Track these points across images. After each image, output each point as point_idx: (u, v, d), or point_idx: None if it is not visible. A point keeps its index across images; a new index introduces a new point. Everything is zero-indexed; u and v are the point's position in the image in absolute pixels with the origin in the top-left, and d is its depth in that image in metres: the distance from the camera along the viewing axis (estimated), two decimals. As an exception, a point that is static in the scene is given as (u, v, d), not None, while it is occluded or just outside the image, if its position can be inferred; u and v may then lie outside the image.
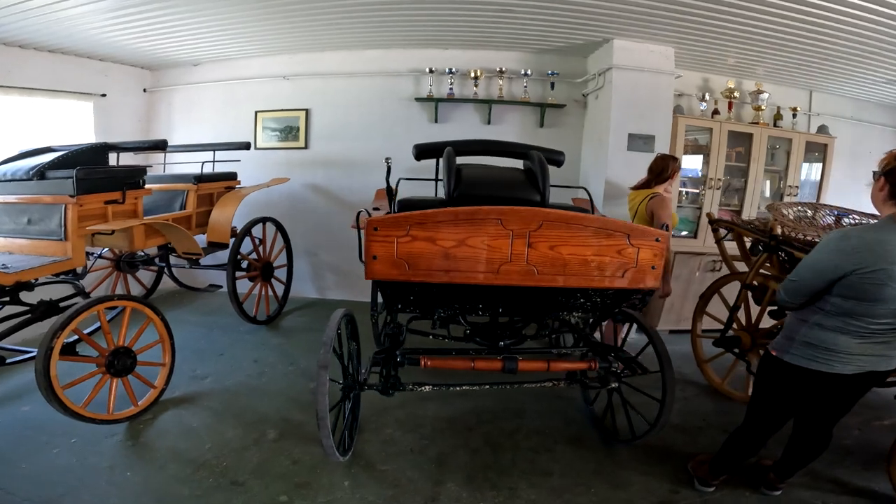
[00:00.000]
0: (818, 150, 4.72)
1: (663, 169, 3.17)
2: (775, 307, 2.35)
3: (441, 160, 2.53)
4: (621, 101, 3.74)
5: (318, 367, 1.89)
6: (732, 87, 4.41)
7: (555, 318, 2.29)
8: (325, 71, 4.55)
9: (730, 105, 4.45)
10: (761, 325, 2.97)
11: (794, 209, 3.06)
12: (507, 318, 2.30)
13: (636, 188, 3.30)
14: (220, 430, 2.48)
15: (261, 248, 4.08)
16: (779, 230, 2.74)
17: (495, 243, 1.60)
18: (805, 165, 4.75)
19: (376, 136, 4.53)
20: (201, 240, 3.69)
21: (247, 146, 4.15)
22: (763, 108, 4.47)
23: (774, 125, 4.61)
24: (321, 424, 1.86)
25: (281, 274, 4.36)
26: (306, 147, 4.76)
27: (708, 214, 3.42)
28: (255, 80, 4.71)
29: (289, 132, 4.79)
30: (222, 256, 3.72)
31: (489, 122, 4.48)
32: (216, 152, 4.07)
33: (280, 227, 4.28)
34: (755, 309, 2.98)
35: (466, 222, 1.57)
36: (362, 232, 1.72)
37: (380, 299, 2.59)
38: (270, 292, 4.17)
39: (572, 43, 3.93)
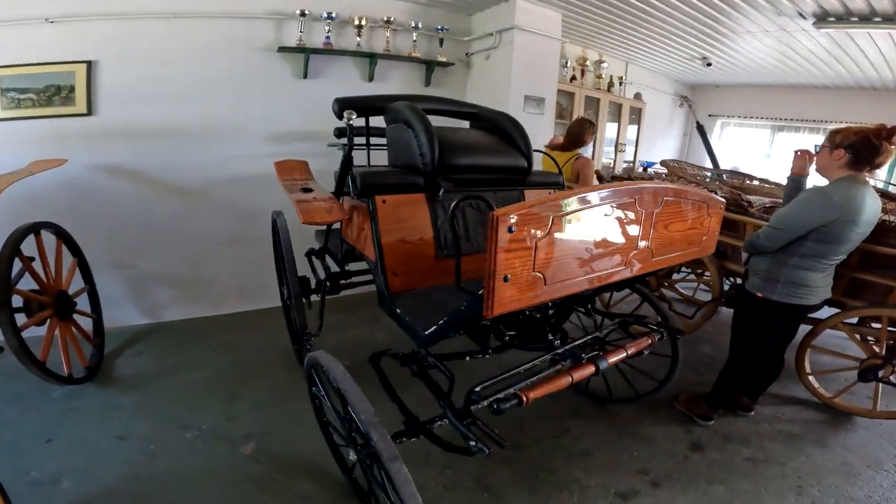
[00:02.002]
0: (635, 114, 5.60)
1: (581, 133, 3.24)
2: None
3: (390, 120, 2.01)
4: (521, 63, 3.63)
5: (387, 459, 1.16)
6: (585, 56, 4.77)
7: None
8: (122, 11, 3.00)
9: (582, 72, 4.82)
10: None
11: (688, 169, 3.56)
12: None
13: (557, 149, 3.30)
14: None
15: (42, 273, 2.45)
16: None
17: (627, 228, 1.27)
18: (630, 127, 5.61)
19: (221, 97, 3.34)
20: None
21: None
22: (602, 76, 5.00)
23: (608, 91, 5.24)
24: None
25: (84, 303, 2.80)
26: (90, 113, 3.09)
27: (613, 174, 3.69)
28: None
29: (54, 94, 3.01)
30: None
31: (371, 79, 3.82)
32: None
33: (64, 236, 2.66)
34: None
35: (604, 204, 1.18)
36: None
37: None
38: (77, 332, 2.58)
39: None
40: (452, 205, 1.25)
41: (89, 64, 3.06)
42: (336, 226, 2.35)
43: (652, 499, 1.88)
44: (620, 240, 1.26)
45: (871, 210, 1.98)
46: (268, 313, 3.49)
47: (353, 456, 1.51)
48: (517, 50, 3.58)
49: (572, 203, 1.09)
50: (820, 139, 6.60)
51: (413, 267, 1.79)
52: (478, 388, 1.44)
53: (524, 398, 1.31)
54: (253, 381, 2.58)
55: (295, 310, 2.19)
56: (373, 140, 2.60)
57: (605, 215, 1.18)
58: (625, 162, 5.61)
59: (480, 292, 1.05)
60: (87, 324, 2.77)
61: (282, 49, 3.42)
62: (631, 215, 1.26)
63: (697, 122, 6.86)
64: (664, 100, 6.45)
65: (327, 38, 3.52)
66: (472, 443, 1.30)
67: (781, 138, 6.72)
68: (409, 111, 1.86)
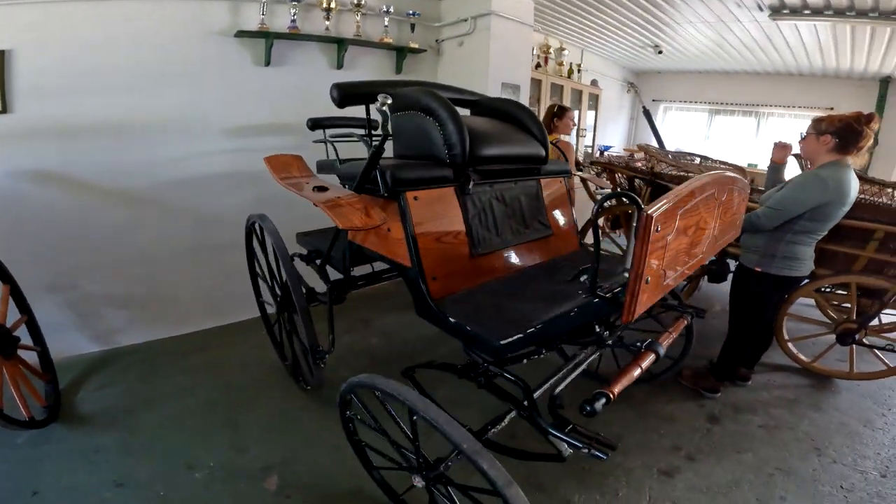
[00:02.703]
0: (593, 100, 5.71)
1: (555, 116, 3.28)
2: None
3: (400, 107, 1.84)
4: (497, 49, 3.52)
5: (503, 486, 1.04)
6: (548, 44, 4.77)
7: None
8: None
9: (545, 60, 4.81)
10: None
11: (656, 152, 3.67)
12: None
13: None
14: None
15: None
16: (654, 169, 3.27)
17: (708, 217, 1.22)
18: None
19: (168, 88, 2.90)
20: None
21: None
22: (563, 63, 5.03)
23: (568, 78, 5.29)
24: None
25: (25, 336, 2.29)
26: (4, 111, 2.54)
27: (592, 159, 3.72)
28: None
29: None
30: None
31: (340, 66, 3.55)
32: None
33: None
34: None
35: (705, 194, 1.12)
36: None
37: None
38: (25, 370, 2.14)
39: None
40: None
41: (2, 54, 2.55)
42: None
43: (693, 472, 1.92)
44: (704, 229, 1.21)
45: (855, 190, 2.15)
46: (242, 328, 3.17)
47: (419, 482, 1.38)
48: (494, 36, 3.47)
49: (692, 196, 1.02)
50: (752, 122, 7.14)
51: (451, 269, 1.64)
52: (557, 392, 1.35)
53: (611, 394, 1.24)
54: (250, 404, 2.31)
55: (302, 325, 1.96)
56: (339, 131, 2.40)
57: (700, 206, 1.12)
58: (586, 147, 5.73)
59: (609, 295, 0.95)
60: (30, 358, 2.30)
61: (240, 34, 3.06)
62: (711, 204, 1.21)
63: (644, 107, 7.17)
64: (614, 86, 6.66)
65: (293, 21, 3.21)
66: (586, 450, 1.22)
67: (719, 121, 7.20)
68: (430, 98, 1.71)
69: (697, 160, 4.18)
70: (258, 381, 2.52)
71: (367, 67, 3.72)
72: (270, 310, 2.68)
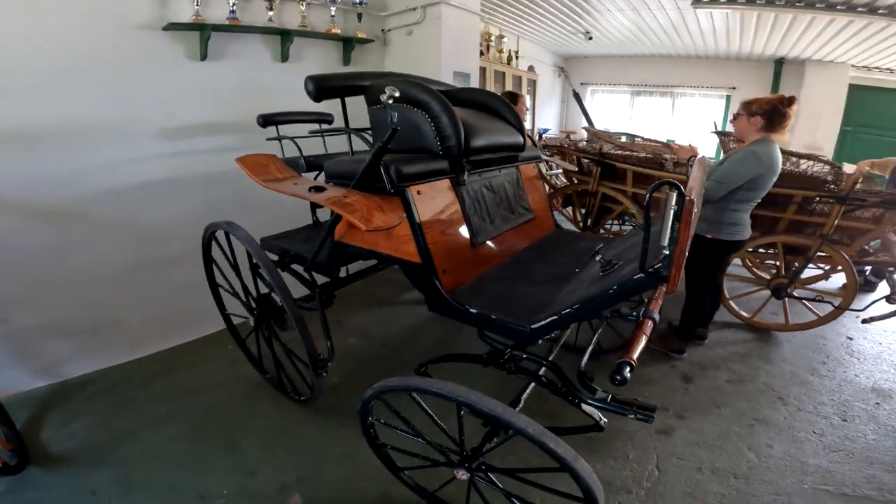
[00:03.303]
0: (531, 85, 5.85)
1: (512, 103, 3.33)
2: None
3: (390, 102, 1.77)
4: (449, 38, 3.47)
5: (571, 461, 1.13)
6: (489, 31, 4.78)
7: None
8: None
9: (487, 48, 4.83)
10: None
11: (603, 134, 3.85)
12: None
13: None
14: None
15: None
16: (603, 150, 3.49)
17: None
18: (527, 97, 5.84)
19: (87, 89, 2.51)
20: None
21: None
22: (503, 50, 5.08)
23: (508, 64, 5.36)
24: None
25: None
26: None
27: (544, 143, 3.82)
28: None
29: None
30: None
31: (285, 59, 3.31)
32: None
33: None
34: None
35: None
36: None
37: None
38: None
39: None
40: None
41: None
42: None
43: (686, 429, 2.09)
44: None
45: (780, 162, 2.44)
46: (204, 345, 2.92)
47: (463, 475, 1.41)
48: (445, 25, 3.41)
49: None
50: (668, 102, 7.70)
51: (457, 260, 1.63)
52: (582, 366, 1.42)
53: (633, 362, 1.28)
54: (243, 423, 2.14)
55: (300, 335, 1.85)
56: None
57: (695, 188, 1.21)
58: (527, 130, 5.87)
59: (651, 269, 1.01)
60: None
61: (171, 27, 2.73)
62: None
63: (574, 91, 7.47)
64: (546, 71, 6.87)
65: (232, 12, 2.93)
66: (632, 416, 1.30)
67: (639, 101, 7.70)
68: (420, 90, 1.66)
69: (636, 139, 4.45)
70: (243, 398, 2.33)
71: (313, 59, 3.51)
72: (237, 321, 2.51)
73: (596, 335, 1.77)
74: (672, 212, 1.03)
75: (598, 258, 1.45)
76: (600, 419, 1.40)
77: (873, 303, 2.92)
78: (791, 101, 2.47)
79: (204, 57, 2.92)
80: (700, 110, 7.27)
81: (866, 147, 6.05)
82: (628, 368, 1.25)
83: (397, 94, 1.38)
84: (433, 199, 1.62)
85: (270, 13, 3.06)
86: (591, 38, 5.52)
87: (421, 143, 1.68)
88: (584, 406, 1.41)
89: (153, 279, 2.86)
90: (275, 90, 3.28)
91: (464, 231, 1.73)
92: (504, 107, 2.11)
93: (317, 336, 1.96)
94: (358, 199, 1.51)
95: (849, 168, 3.66)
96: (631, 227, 4.19)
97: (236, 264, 2.20)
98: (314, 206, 2.67)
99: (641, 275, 1.10)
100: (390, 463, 1.68)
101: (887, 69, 5.82)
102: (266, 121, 2.52)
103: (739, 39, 5.61)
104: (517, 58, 5.53)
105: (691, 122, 7.41)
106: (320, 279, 2.18)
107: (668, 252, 1.05)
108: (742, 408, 2.24)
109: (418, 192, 1.56)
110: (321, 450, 1.96)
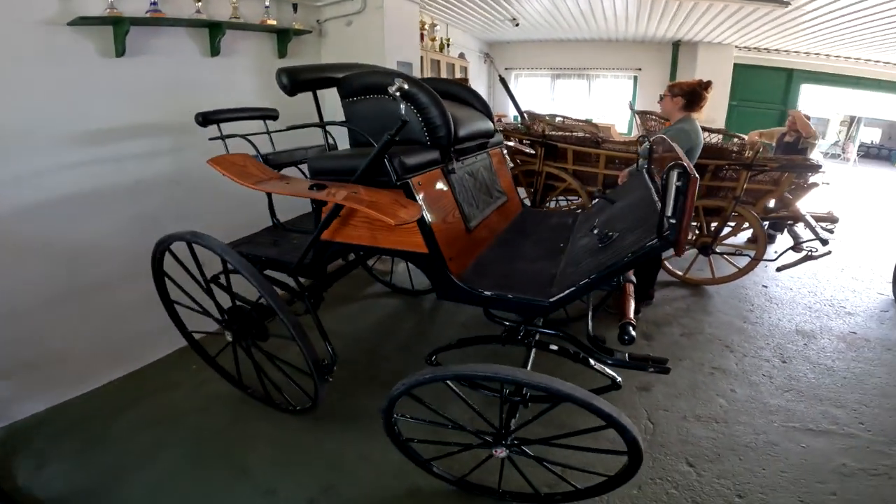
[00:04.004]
0: (463, 72, 5.89)
1: None
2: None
3: (363, 90, 1.75)
4: (392, 28, 3.39)
5: (627, 427, 1.27)
6: (422, 20, 4.71)
7: None
8: None
9: (421, 36, 4.77)
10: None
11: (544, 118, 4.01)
12: None
13: None
14: None
15: None
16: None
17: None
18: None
19: None
20: None
21: None
22: (436, 38, 5.06)
23: (440, 52, 5.35)
24: None
25: None
26: None
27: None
28: None
29: None
30: None
31: (216, 53, 3.05)
32: None
33: None
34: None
35: None
36: None
37: None
38: None
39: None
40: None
41: None
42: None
43: (662, 384, 2.30)
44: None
45: (702, 136, 2.80)
46: (162, 368, 2.66)
47: (502, 452, 1.48)
48: (389, 14, 3.33)
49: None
50: (585, 84, 8.15)
51: (458, 247, 1.68)
52: (591, 332, 1.57)
53: (633, 322, 1.45)
54: (242, 444, 2.00)
55: (300, 343, 1.76)
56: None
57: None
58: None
59: (664, 236, 1.15)
60: None
61: (80, 21, 2.40)
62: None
63: (500, 76, 7.62)
64: (473, 57, 6.95)
65: (153, 3, 2.62)
66: (651, 370, 1.45)
67: (559, 84, 8.08)
68: (405, 81, 1.64)
69: (563, 120, 4.69)
70: (230, 418, 2.17)
71: (246, 53, 3.27)
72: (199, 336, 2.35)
73: (590, 303, 1.88)
74: (675, 187, 1.15)
75: (594, 231, 1.55)
76: (616, 378, 1.54)
77: (783, 252, 3.38)
78: (707, 85, 2.83)
79: (121, 53, 2.60)
80: (612, 90, 7.82)
81: (750, 119, 6.90)
82: (631, 328, 1.39)
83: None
84: (431, 190, 1.65)
85: (198, 4, 2.79)
86: (517, 25, 5.67)
87: (407, 134, 1.65)
88: (598, 366, 1.57)
89: (90, 304, 2.55)
90: (207, 87, 3.02)
91: (458, 218, 1.77)
92: (471, 95, 2.15)
93: (288, 339, 1.89)
94: (375, 195, 1.48)
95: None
96: (570, 202, 4.44)
97: (205, 277, 2.04)
98: (273, 207, 2.52)
99: (656, 240, 1.21)
100: (415, 456, 1.69)
101: (765, 49, 6.64)
102: (206, 119, 2.32)
103: (645, 23, 6.07)
104: (448, 46, 5.54)
105: (606, 102, 7.95)
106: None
107: (674, 221, 1.16)
108: (699, 358, 2.52)
109: (419, 184, 1.57)
110: (335, 456, 1.90)
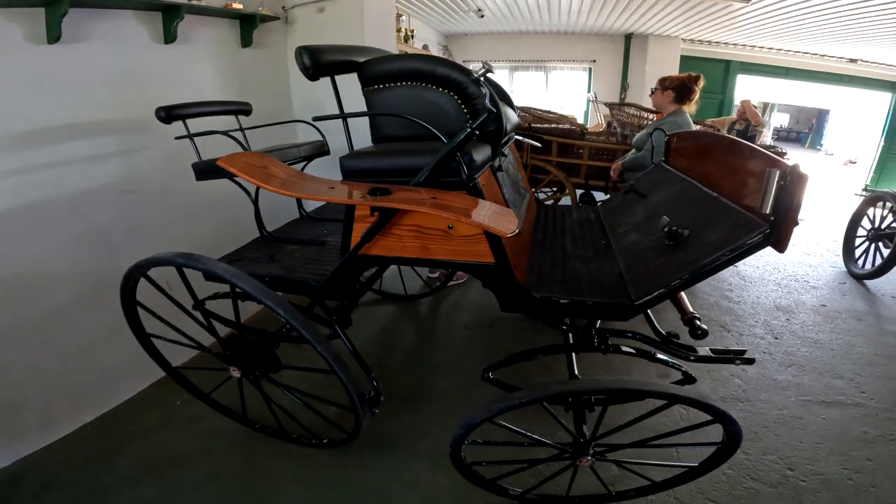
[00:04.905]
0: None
1: None
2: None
3: (391, 78, 1.52)
4: (372, 16, 3.11)
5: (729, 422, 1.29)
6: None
7: None
8: None
9: (409, 31, 4.50)
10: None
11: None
12: None
13: None
14: None
15: None
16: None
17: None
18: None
19: None
20: None
21: None
22: (402, 30, 4.80)
23: (405, 43, 5.08)
24: None
25: None
26: None
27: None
28: None
29: None
30: None
31: (171, 40, 2.62)
32: None
33: None
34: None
35: None
36: None
37: None
38: None
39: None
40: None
41: None
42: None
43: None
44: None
45: (692, 128, 2.79)
46: (139, 407, 2.27)
47: (588, 461, 1.42)
48: (367, 1, 3.05)
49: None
50: (542, 76, 8.17)
51: (517, 253, 1.50)
52: (662, 331, 1.54)
53: (696, 315, 1.46)
54: (268, 488, 1.71)
55: (340, 376, 1.50)
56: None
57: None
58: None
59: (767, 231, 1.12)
60: None
61: (3, 2, 1.95)
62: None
63: (486, 65, 7.47)
64: (434, 49, 6.72)
65: (97, -21, 2.19)
66: (737, 363, 1.46)
67: (518, 77, 8.03)
68: (446, 66, 1.45)
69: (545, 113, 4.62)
70: (243, 459, 1.86)
71: (206, 41, 2.85)
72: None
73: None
74: (778, 185, 1.10)
75: (665, 229, 1.44)
76: (689, 372, 1.54)
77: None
78: (697, 78, 2.85)
79: (56, 39, 2.15)
80: (569, 82, 7.91)
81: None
82: (698, 321, 1.40)
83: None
84: (489, 190, 1.48)
85: (151, -17, 2.37)
86: (482, 16, 5.51)
87: (447, 127, 1.44)
88: (675, 363, 1.55)
89: (41, 341, 2.11)
90: (161, 79, 2.59)
91: None
92: (493, 85, 1.98)
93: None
94: (458, 200, 1.27)
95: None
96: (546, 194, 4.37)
97: (203, 306, 1.72)
98: (260, 216, 2.21)
99: (760, 237, 1.14)
100: (477, 478, 1.55)
101: (707, 41, 6.96)
102: (170, 115, 1.97)
103: (597, 16, 6.14)
104: (412, 37, 5.28)
105: (562, 94, 8.02)
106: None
107: (773, 218, 1.12)
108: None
109: (482, 184, 1.39)
110: (379, 488, 1.69)
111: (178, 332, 1.75)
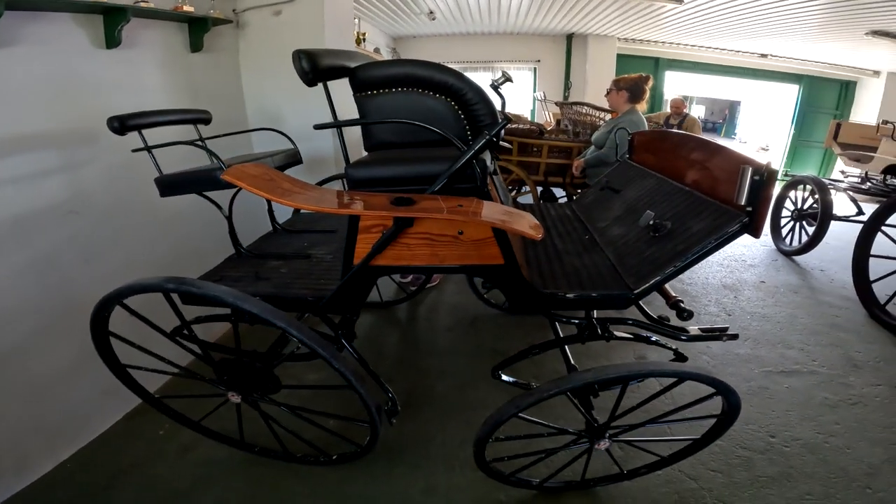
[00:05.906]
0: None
1: None
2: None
3: (386, 83, 1.49)
4: (333, 18, 2.98)
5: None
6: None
7: None
8: None
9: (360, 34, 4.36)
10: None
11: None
12: None
13: None
14: None
15: None
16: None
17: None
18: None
19: None
20: None
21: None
22: (356, 33, 4.66)
23: (358, 45, 4.96)
24: None
25: None
26: None
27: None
28: None
29: None
30: None
31: (114, 45, 2.35)
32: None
33: None
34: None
35: None
36: None
37: None
38: None
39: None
40: None
41: None
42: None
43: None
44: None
45: (646, 125, 2.98)
46: (117, 437, 2.05)
47: (604, 445, 1.48)
48: (328, 4, 2.93)
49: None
50: (489, 76, 8.29)
51: (519, 253, 1.51)
52: (654, 315, 1.66)
53: (681, 299, 1.54)
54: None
55: (359, 393, 1.43)
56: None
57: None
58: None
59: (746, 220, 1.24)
60: None
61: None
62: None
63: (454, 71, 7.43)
64: (384, 52, 6.61)
65: (27, -21, 1.94)
66: (725, 339, 1.57)
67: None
68: (444, 72, 1.43)
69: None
70: (250, 486, 1.73)
71: (152, 46, 2.61)
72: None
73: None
74: (752, 179, 1.23)
75: (651, 222, 1.52)
76: (681, 352, 1.70)
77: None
78: (647, 78, 3.05)
79: (-22, 46, 1.89)
80: (516, 82, 8.08)
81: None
82: (682, 304, 1.50)
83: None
84: (493, 193, 1.46)
85: (91, -16, 2.14)
86: (434, 18, 5.48)
87: (446, 132, 1.42)
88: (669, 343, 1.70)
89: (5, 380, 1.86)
90: (104, 86, 2.32)
91: None
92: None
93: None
94: (479, 206, 1.25)
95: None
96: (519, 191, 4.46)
97: (190, 331, 1.58)
98: (235, 232, 2.07)
99: (738, 227, 1.25)
100: (498, 474, 1.58)
101: (639, 40, 7.37)
102: (124, 125, 1.80)
103: (542, 17, 6.33)
104: (364, 40, 5.16)
105: (509, 93, 8.17)
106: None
107: (751, 209, 1.24)
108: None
109: (493, 187, 1.39)
110: (398, 498, 1.65)
111: (162, 360, 1.61)
